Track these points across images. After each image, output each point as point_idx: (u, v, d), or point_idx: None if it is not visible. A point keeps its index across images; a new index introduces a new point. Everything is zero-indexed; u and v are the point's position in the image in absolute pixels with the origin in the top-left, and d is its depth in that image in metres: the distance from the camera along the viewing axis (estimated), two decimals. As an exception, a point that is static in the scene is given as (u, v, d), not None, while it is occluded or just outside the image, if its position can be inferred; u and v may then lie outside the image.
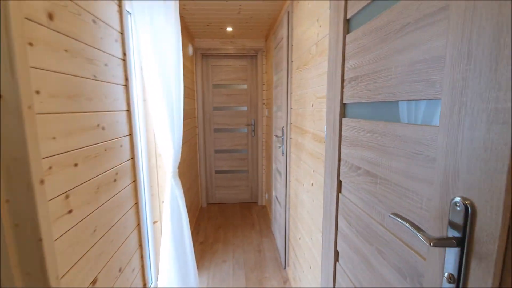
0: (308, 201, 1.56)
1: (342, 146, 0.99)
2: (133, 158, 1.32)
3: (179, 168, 2.24)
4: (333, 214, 1.09)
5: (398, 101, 0.67)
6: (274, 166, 2.74)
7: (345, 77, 0.95)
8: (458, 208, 0.47)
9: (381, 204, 0.75)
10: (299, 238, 1.79)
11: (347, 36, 0.93)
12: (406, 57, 0.62)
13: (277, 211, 2.59)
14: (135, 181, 1.34)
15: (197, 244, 2.66)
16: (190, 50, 2.96)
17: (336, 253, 1.08)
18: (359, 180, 0.87)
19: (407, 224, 0.53)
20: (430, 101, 0.58)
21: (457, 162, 0.48)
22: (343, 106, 0.98)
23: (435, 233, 0.53)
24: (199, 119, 3.46)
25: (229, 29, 2.89)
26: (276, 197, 2.67)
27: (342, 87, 0.97)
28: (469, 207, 0.45)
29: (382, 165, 0.73)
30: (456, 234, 0.48)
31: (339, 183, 1.03)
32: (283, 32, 2.07)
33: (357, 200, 0.89)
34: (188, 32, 2.91)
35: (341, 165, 1.01)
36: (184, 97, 2.63)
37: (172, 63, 1.54)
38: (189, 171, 2.88)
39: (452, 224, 0.48)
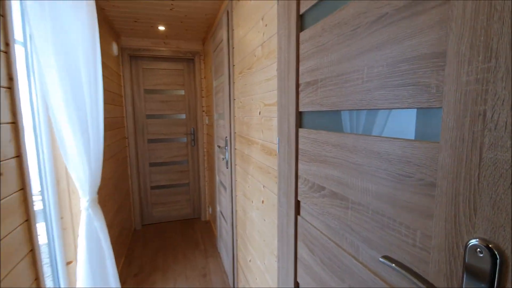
0: (258, 220, 1.40)
1: (299, 161, 0.85)
2: (23, 188, 0.96)
3: (100, 191, 1.85)
4: (291, 239, 0.94)
5: (374, 110, 0.55)
6: (217, 179, 2.53)
7: (301, 82, 0.81)
8: (480, 255, 0.35)
9: (354, 233, 0.62)
10: (250, 261, 1.61)
11: (301, 34, 0.80)
12: (384, 56, 0.50)
13: (223, 227, 2.37)
14: (28, 220, 0.98)
15: (129, 279, 2.25)
16: (115, 49, 2.55)
17: (297, 284, 0.93)
18: (323, 202, 0.73)
19: (413, 278, 0.40)
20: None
21: (472, 191, 0.36)
22: (299, 114, 0.85)
23: (440, 281, 0.41)
24: (129, 129, 3.03)
25: (162, 28, 2.59)
26: (221, 213, 2.45)
27: (297, 92, 0.83)
28: (496, 253, 0.33)
29: (354, 187, 0.60)
30: (478, 286, 0.36)
31: (297, 203, 0.89)
32: (223, 33, 1.89)
33: (322, 225, 0.75)
34: (112, 28, 2.51)
35: (299, 183, 0.87)
36: (109, 104, 2.23)
37: (84, 61, 1.21)
38: (117, 190, 2.46)
39: (471, 273, 0.36)
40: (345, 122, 0.71)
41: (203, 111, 3.24)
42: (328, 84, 0.68)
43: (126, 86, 2.97)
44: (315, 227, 0.79)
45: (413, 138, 0.53)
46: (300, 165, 0.85)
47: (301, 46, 0.80)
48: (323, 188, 0.73)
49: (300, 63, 0.81)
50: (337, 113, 0.70)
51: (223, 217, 2.34)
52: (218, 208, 2.62)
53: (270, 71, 1.13)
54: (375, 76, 0.53)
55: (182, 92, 3.27)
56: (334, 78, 0.65)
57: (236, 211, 1.90)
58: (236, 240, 1.93)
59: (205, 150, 3.29)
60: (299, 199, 0.87)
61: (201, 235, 3.05)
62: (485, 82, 0.34)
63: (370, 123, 0.66)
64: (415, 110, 0.48)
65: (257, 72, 1.29)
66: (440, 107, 0.40)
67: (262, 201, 1.31)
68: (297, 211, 0.89)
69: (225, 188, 2.20)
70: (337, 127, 0.70)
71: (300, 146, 0.84)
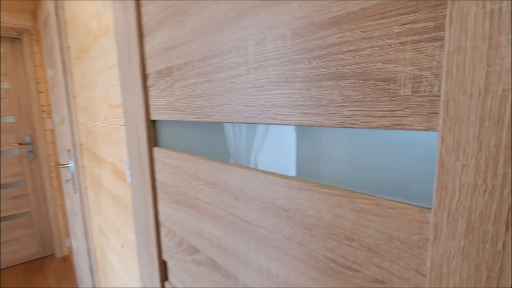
0: (120, 270, 0.98)
1: (159, 199, 0.53)
2: None
3: None
4: (159, 315, 0.61)
5: (273, 124, 0.29)
6: (68, 204, 1.86)
7: (149, 70, 0.48)
8: None
9: None
10: (117, 319, 1.17)
11: (143, -12, 0.46)
12: (286, 16, 0.24)
13: (83, 269, 1.76)
14: None
15: None
16: None
17: None
18: (199, 273, 0.44)
19: None
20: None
21: None
22: (152, 125, 0.52)
23: None
24: None
25: None
26: (79, 249, 1.82)
27: (145, 89, 0.50)
28: None
29: (247, 261, 0.33)
30: None
31: (163, 264, 0.57)
32: (49, 2, 1.30)
33: (200, 308, 0.46)
34: None
35: (162, 234, 0.54)
36: None
37: None
38: None
39: None
40: (230, 140, 0.44)
41: (43, 111, 2.37)
42: (189, 75, 0.38)
43: None
44: (190, 307, 0.49)
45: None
46: (161, 206, 0.53)
47: (144, 9, 0.47)
48: (197, 251, 0.43)
49: (146, 38, 0.48)
50: (216, 124, 0.41)
51: (81, 255, 1.73)
52: (74, 243, 1.95)
53: (111, 54, 0.74)
54: (270, 58, 0.26)
55: (6, 85, 2.28)
56: (198, 63, 0.36)
57: (94, 249, 1.38)
58: (99, 289, 1.42)
59: (51, 164, 2.44)
60: (164, 258, 0.55)
61: (57, 279, 2.26)
62: None
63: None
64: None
65: (97, 56, 0.86)
66: (432, 130, 0.17)
67: (122, 245, 0.91)
68: (164, 276, 0.57)
69: (77, 217, 1.61)
70: (219, 148, 0.41)
71: (157, 176, 0.52)
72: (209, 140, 0.42)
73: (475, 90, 0.14)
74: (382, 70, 0.19)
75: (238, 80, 0.30)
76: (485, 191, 0.15)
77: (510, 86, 0.13)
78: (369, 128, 0.20)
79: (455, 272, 0.16)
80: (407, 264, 0.19)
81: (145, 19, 0.47)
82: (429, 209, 0.18)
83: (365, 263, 0.21)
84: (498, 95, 0.14)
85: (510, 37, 0.13)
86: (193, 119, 0.39)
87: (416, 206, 0.18)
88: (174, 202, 0.48)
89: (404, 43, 0.17)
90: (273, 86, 0.26)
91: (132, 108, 0.55)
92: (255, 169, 0.31)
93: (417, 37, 0.17)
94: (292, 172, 0.30)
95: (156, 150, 0.51)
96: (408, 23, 0.17)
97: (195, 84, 0.37)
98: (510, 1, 0.13)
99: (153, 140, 0.52)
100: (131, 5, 0.49)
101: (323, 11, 0.21)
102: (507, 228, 0.14)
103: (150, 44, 0.47)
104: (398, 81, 0.18)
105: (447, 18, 0.15)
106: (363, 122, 0.20)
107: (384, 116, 0.19)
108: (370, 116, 0.20)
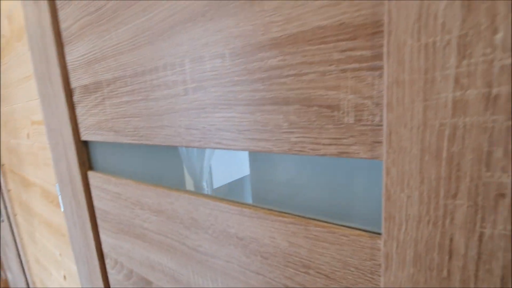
0: (65, 303, 0.87)
1: (101, 229, 0.47)
2: None
3: None
4: None
5: (219, 149, 0.27)
6: (-5, 234, 1.60)
7: (74, 85, 0.42)
8: None
9: None
10: None
11: (57, -10, 0.40)
12: (224, 34, 0.22)
13: (21, 304, 1.54)
14: None
15: None
16: None
17: None
18: (153, 306, 0.40)
19: None
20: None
21: None
22: (84, 146, 0.46)
23: None
24: None
25: None
26: (16, 282, 1.59)
27: (72, 105, 0.44)
28: None
29: (203, 293, 0.31)
30: None
31: (113, 297, 0.51)
32: None
33: None
34: None
35: (107, 267, 0.49)
36: None
37: None
38: None
39: None
40: (186, 163, 0.40)
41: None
42: (121, 92, 0.34)
43: None
44: None
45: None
46: (103, 236, 0.47)
47: (62, 12, 0.40)
48: (150, 283, 0.40)
49: (67, 48, 0.41)
50: (165, 149, 0.37)
51: (17, 289, 1.51)
52: (9, 276, 1.69)
53: (28, 62, 0.64)
54: (210, 79, 0.24)
55: None
56: (129, 79, 0.32)
57: (33, 282, 1.21)
58: (42, 326, 1.25)
59: (-32, 188, 2.07)
60: (113, 291, 0.50)
61: (-14, 321, 1.93)
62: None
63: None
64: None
65: (12, 64, 0.73)
66: (377, 159, 0.17)
67: (64, 277, 0.81)
68: (115, 310, 0.51)
69: (9, 247, 1.39)
70: (171, 168, 0.38)
71: (96, 203, 0.46)
72: (159, 160, 0.38)
73: (415, 123, 0.14)
74: (325, 96, 0.18)
75: (177, 100, 0.27)
76: (428, 221, 0.15)
77: (446, 121, 0.13)
78: (317, 155, 0.19)
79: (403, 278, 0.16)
80: (362, 291, 0.19)
81: (64, 25, 0.41)
82: (379, 234, 0.18)
83: (323, 291, 0.21)
84: (436, 129, 0.14)
85: (444, 73, 0.13)
86: (130, 141, 0.35)
87: (367, 231, 0.18)
88: (118, 232, 0.43)
89: (344, 71, 0.17)
90: (215, 109, 0.24)
91: (57, 127, 0.48)
92: (203, 195, 0.29)
93: (356, 65, 0.16)
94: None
95: (91, 174, 0.45)
96: (347, 50, 0.16)
97: (128, 103, 0.33)
98: (448, 36, 0.13)
99: (87, 163, 0.46)
100: (45, 6, 0.41)
101: (261, 31, 0.20)
102: (450, 257, 0.14)
103: (73, 55, 0.41)
104: (342, 109, 0.17)
105: (385, 49, 0.14)
106: (310, 149, 0.19)
107: (331, 144, 0.18)
108: (317, 144, 0.19)
